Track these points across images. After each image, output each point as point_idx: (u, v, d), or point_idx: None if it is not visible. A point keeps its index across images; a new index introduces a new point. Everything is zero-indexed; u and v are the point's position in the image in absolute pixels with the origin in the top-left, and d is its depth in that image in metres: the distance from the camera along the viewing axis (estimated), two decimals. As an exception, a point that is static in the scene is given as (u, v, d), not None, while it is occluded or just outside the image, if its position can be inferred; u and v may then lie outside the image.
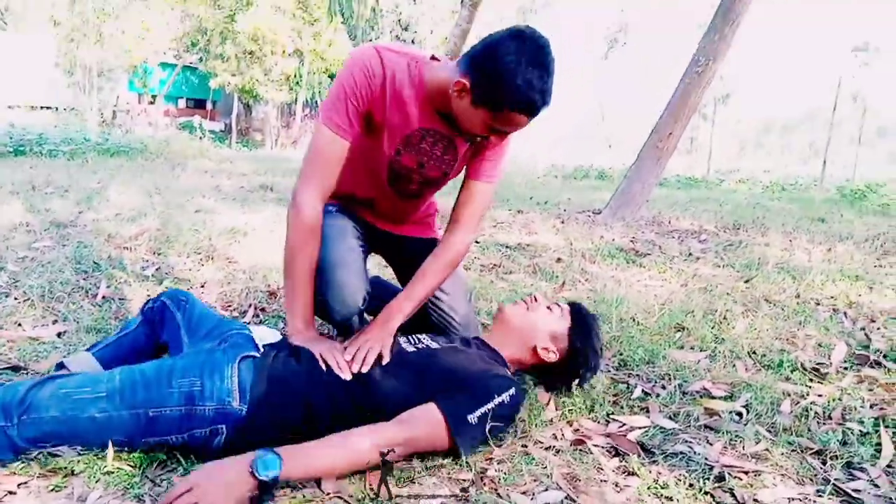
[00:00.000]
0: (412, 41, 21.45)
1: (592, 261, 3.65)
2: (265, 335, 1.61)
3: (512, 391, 1.50)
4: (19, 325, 2.14)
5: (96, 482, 1.26)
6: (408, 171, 1.76)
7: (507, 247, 3.96)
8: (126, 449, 1.33)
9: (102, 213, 4.01)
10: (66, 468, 1.31)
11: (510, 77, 1.40)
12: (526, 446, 1.53)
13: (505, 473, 1.40)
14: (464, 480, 1.38)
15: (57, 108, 18.17)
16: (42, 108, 18.22)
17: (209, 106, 24.77)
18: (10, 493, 1.23)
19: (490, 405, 1.44)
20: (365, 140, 1.68)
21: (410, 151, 1.71)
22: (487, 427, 1.44)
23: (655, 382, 1.93)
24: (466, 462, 1.43)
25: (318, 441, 1.32)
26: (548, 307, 1.76)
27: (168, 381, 1.33)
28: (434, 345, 1.62)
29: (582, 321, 1.74)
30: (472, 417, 1.42)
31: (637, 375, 1.98)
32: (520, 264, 3.49)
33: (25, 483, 1.26)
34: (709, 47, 5.26)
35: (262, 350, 1.49)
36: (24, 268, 2.78)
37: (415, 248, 1.92)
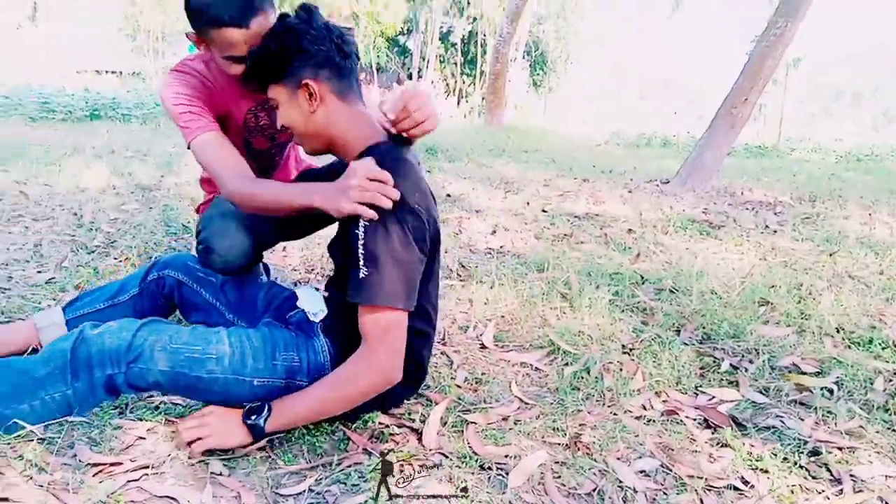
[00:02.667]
0: (467, 1, 21.12)
1: (665, 232, 3.59)
2: (310, 299, 1.54)
3: (361, 222, 1.25)
4: (123, 282, 2.27)
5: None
6: (266, 150, 1.88)
7: (575, 216, 3.93)
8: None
9: (183, 178, 4.16)
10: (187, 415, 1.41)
11: None
12: (616, 415, 1.56)
13: (598, 439, 1.44)
14: (558, 444, 1.42)
15: (121, 73, 18.74)
16: (107, 72, 18.82)
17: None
18: (140, 438, 1.33)
19: (360, 241, 1.25)
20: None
21: (256, 135, 1.81)
22: (396, 259, 1.25)
23: (742, 357, 1.92)
24: (560, 427, 1.47)
25: (306, 389, 1.34)
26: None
27: (273, 354, 1.37)
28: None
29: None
30: (361, 272, 1.25)
31: (723, 349, 1.97)
32: (590, 234, 3.47)
33: (153, 429, 1.36)
34: (786, 7, 5.02)
35: (320, 321, 1.45)
36: (118, 229, 2.93)
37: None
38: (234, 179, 1.49)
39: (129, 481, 1.18)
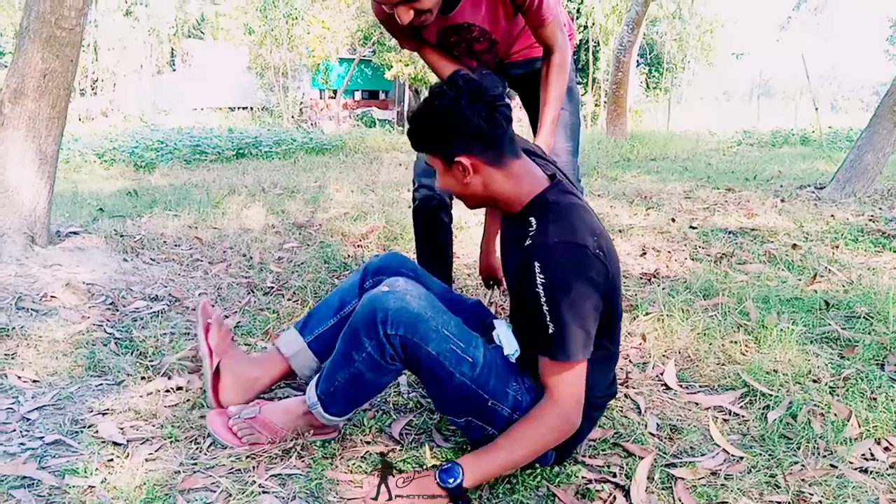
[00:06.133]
0: (577, 10, 20.83)
1: (835, 246, 3.32)
2: (506, 337, 1.55)
3: (536, 263, 1.25)
4: (301, 325, 2.40)
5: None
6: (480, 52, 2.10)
7: (729, 232, 3.73)
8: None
9: (331, 213, 4.37)
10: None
11: None
12: (836, 467, 1.44)
13: (825, 498, 1.33)
14: (778, 503, 1.33)
15: (252, 109, 20.12)
16: (239, 108, 20.26)
17: (382, 96, 26.02)
18: (357, 486, 1.39)
19: (542, 299, 1.24)
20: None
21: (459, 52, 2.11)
22: (578, 313, 1.24)
23: (970, 396, 1.72)
24: (779, 483, 1.38)
25: (494, 441, 1.34)
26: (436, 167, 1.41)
27: (507, 381, 1.37)
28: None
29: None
30: (549, 329, 1.25)
31: (943, 387, 1.77)
32: (752, 252, 3.27)
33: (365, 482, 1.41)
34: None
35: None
36: (285, 269, 3.11)
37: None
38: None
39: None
